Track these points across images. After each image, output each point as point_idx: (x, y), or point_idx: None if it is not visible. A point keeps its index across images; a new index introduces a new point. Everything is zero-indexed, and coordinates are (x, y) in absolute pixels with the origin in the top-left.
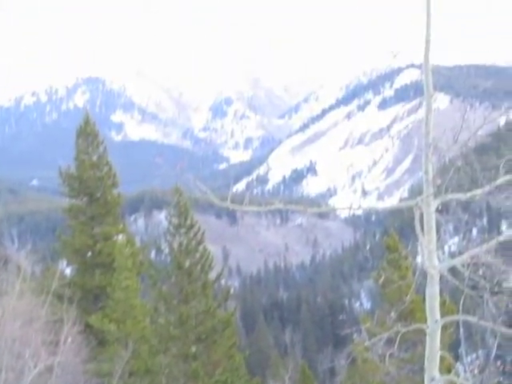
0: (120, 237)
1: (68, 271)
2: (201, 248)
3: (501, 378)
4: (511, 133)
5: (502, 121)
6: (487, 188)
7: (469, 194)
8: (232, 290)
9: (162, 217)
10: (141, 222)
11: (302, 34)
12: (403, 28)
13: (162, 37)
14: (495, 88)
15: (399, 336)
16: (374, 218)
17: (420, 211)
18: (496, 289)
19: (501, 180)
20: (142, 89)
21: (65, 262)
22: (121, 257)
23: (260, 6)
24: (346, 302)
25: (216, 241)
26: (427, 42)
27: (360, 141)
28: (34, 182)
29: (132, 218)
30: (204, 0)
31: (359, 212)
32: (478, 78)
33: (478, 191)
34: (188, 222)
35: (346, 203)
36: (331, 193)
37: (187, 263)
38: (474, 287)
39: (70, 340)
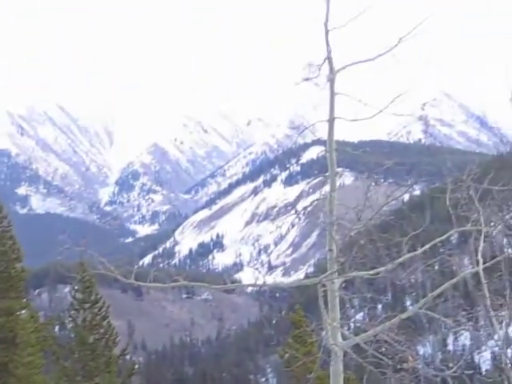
0: (23, 312)
1: None
2: (105, 323)
3: None
4: (414, 210)
5: (406, 197)
6: (390, 266)
7: (372, 272)
8: (136, 366)
9: (66, 291)
10: (45, 296)
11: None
12: (308, 106)
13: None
14: (399, 164)
15: None
16: (279, 293)
17: (324, 288)
18: (399, 366)
19: (404, 257)
20: (47, 162)
21: None
22: (24, 332)
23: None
24: (252, 377)
25: (121, 315)
26: (331, 121)
27: (266, 216)
28: None
29: (36, 293)
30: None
31: (265, 287)
32: (382, 154)
33: (381, 269)
34: (92, 297)
35: (252, 278)
36: (238, 267)
37: (91, 339)
38: (377, 364)
39: None
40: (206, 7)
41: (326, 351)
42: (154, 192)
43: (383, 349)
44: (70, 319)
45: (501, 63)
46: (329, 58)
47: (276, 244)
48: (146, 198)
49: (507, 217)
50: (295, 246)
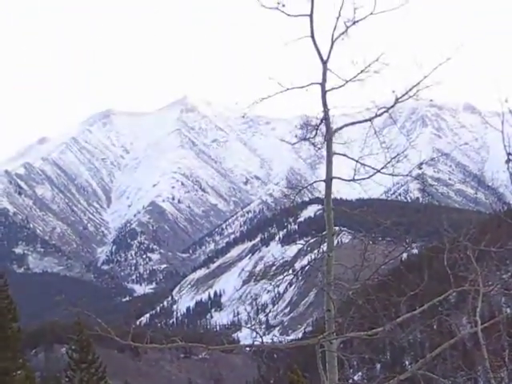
0: (19, 372)
1: None
2: (102, 383)
3: None
4: (412, 269)
5: (404, 256)
6: (388, 326)
7: (370, 332)
8: None
9: (63, 351)
10: (41, 356)
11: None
12: (305, 164)
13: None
14: (397, 223)
15: None
16: (277, 353)
17: (322, 349)
18: None
19: (402, 318)
20: (45, 221)
21: None
22: None
23: None
24: None
25: (118, 375)
26: (328, 180)
27: (264, 275)
28: None
29: (32, 353)
30: None
31: (263, 347)
32: (380, 212)
33: (380, 329)
34: (89, 357)
35: (250, 338)
36: (236, 327)
37: None
38: None
39: None
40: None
41: None
42: (152, 251)
43: None
44: (67, 380)
45: (499, 123)
46: (326, 119)
47: (274, 303)
48: (144, 256)
49: (505, 277)
50: (293, 305)
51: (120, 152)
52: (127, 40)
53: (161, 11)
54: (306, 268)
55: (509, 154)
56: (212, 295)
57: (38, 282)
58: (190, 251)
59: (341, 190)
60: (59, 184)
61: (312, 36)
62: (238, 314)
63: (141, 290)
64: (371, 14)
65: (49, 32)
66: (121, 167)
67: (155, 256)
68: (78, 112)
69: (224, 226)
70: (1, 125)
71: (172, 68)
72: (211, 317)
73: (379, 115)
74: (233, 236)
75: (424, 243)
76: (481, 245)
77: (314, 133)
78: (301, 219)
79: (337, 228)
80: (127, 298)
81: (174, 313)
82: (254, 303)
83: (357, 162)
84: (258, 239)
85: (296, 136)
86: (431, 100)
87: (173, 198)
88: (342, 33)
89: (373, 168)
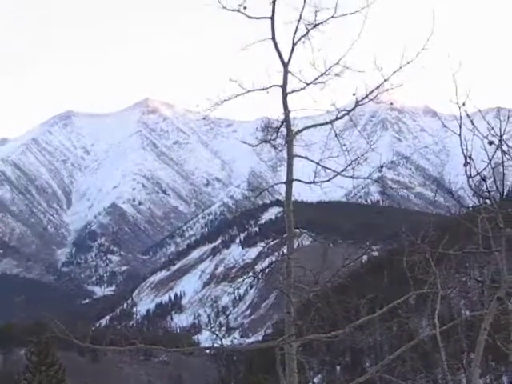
0: None
1: None
2: None
3: None
4: (372, 272)
5: (364, 259)
6: (348, 329)
7: (330, 335)
8: None
9: (21, 354)
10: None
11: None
12: (266, 166)
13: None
14: (358, 226)
15: None
16: (237, 355)
17: (282, 352)
18: None
19: (362, 320)
20: (4, 222)
21: None
22: None
23: None
24: None
25: (78, 378)
26: (288, 182)
27: (225, 277)
28: None
29: None
30: None
31: (223, 349)
32: (340, 215)
33: (339, 332)
34: (49, 359)
35: (210, 340)
36: (196, 329)
37: None
38: None
39: None
40: None
41: None
42: (112, 253)
43: None
44: (25, 382)
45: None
46: (286, 121)
47: (234, 305)
48: (104, 258)
49: (463, 279)
50: (253, 307)
51: (81, 153)
52: (88, 40)
53: (122, 11)
54: (267, 270)
55: (466, 157)
56: (172, 297)
57: None
58: (151, 253)
59: (301, 193)
60: (19, 185)
61: (273, 38)
62: (199, 316)
63: (101, 292)
64: (332, 17)
65: (8, 31)
66: (81, 168)
67: (115, 258)
68: (39, 113)
69: (185, 228)
70: None
71: (133, 70)
72: (171, 319)
73: (340, 118)
74: (194, 238)
75: (384, 246)
76: (440, 247)
77: (274, 135)
78: (261, 221)
79: (297, 230)
80: (87, 300)
81: (134, 315)
82: (214, 305)
83: (317, 164)
84: (218, 241)
85: (257, 138)
86: (391, 103)
87: (133, 200)
88: (303, 35)
89: (333, 170)
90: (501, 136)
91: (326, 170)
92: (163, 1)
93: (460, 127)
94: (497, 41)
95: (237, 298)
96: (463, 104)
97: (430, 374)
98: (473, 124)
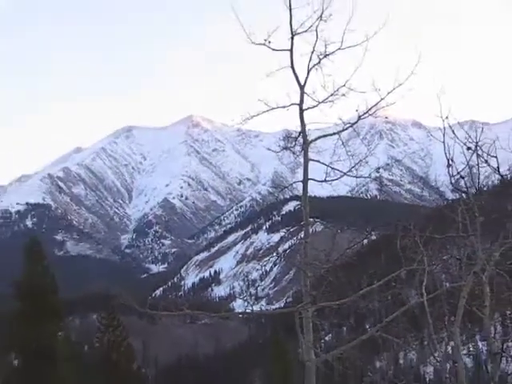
0: (60, 334)
1: (16, 362)
2: (125, 343)
3: None
4: (372, 252)
5: (365, 242)
6: (353, 297)
7: (338, 302)
8: (150, 377)
9: (94, 318)
10: (77, 321)
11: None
12: (287, 168)
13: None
14: (360, 215)
15: None
16: (264, 319)
17: (300, 316)
18: (359, 377)
19: (364, 291)
20: (80, 214)
21: (13, 355)
22: (61, 350)
23: None
24: None
25: (138, 337)
26: (305, 181)
27: (254, 256)
28: None
29: (70, 319)
30: None
31: (253, 314)
32: (346, 207)
33: (346, 300)
34: (115, 322)
35: (243, 307)
36: (231, 298)
37: (114, 356)
38: (342, 375)
39: None
40: None
41: (302, 366)
42: (164, 238)
43: (347, 364)
44: (97, 340)
45: (440, 136)
46: (303, 133)
47: (261, 279)
48: (158, 242)
49: (445, 258)
50: (277, 280)
51: (139, 159)
52: (146, 68)
53: (174, 44)
54: (287, 251)
55: (449, 160)
56: (212, 273)
57: (74, 263)
58: (195, 238)
59: (314, 189)
60: (91, 184)
61: (292, 67)
62: (233, 287)
63: (156, 268)
64: (339, 49)
65: (84, 57)
66: (140, 171)
67: (167, 242)
68: (106, 126)
69: (222, 217)
70: (45, 136)
71: (180, 91)
72: (212, 290)
73: (345, 129)
74: (229, 226)
75: (381, 231)
76: (426, 232)
77: (293, 143)
78: (283, 212)
79: (311, 219)
80: (145, 275)
81: (182, 287)
82: (245, 279)
83: (327, 166)
84: (248, 228)
85: (279, 146)
86: (386, 117)
87: (181, 196)
88: (316, 64)
89: (340, 171)
90: (476, 143)
91: (335, 171)
92: (202, 35)
93: (444, 136)
94: (472, 67)
95: (263, 273)
96: (446, 117)
97: (419, 333)
98: (454, 133)
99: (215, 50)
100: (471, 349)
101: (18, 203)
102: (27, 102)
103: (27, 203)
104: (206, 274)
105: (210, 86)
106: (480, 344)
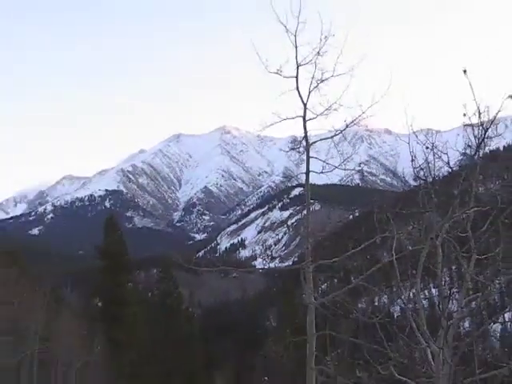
0: (130, 284)
1: (99, 304)
2: (176, 291)
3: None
4: (356, 225)
5: (351, 217)
6: (342, 257)
7: (331, 261)
8: (195, 315)
9: (155, 272)
10: (142, 275)
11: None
12: (294, 163)
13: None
14: (350, 199)
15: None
16: (277, 273)
17: (304, 271)
18: (347, 315)
19: (350, 252)
20: (144, 197)
21: (97, 299)
22: (130, 296)
23: None
24: (262, 321)
25: (186, 287)
26: (307, 173)
27: (269, 229)
28: (81, 252)
29: (137, 273)
30: None
31: (269, 270)
32: (337, 192)
33: (337, 259)
34: (168, 275)
35: (262, 265)
36: (253, 258)
37: (169, 300)
38: (334, 314)
39: (99, 346)
40: None
41: (305, 307)
42: (205, 215)
43: (338, 305)
44: (156, 288)
45: (406, 139)
46: (305, 137)
47: (275, 244)
48: (200, 218)
49: (409, 228)
50: (286, 245)
51: (186, 157)
52: (193, 81)
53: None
54: (294, 224)
55: (412, 156)
56: (239, 240)
57: (139, 233)
58: (227, 214)
59: (314, 179)
60: (151, 176)
61: (297, 89)
62: (255, 250)
63: (198, 237)
64: (332, 76)
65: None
66: (187, 166)
67: (207, 217)
68: (161, 133)
69: (246, 200)
70: (117, 141)
71: (215, 105)
72: (239, 252)
73: (337, 135)
74: (251, 206)
75: (362, 209)
76: (396, 210)
77: (298, 145)
78: (291, 196)
79: (312, 201)
80: (191, 242)
81: (218, 250)
82: (263, 244)
83: (324, 162)
84: (266, 208)
85: (288, 147)
86: (366, 126)
87: (217, 184)
88: (315, 87)
89: (333, 165)
90: (432, 144)
91: (329, 165)
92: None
93: (409, 139)
94: (429, 87)
95: (277, 240)
96: (410, 125)
97: (389, 283)
98: (416, 137)
99: (240, 75)
100: (427, 294)
101: (99, 190)
102: (110, 107)
103: (106, 190)
104: (235, 240)
105: (238, 101)
106: (434, 290)
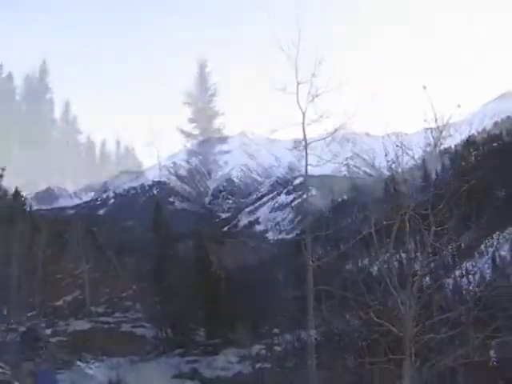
0: (171, 252)
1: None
2: (207, 258)
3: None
4: (343, 205)
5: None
6: (331, 230)
7: (325, 233)
8: (222, 276)
9: (190, 244)
10: (181, 245)
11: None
12: (296, 159)
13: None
14: (339, 186)
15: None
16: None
17: (307, 239)
18: (337, 274)
19: (342, 225)
20: (182, 185)
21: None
22: (171, 260)
23: None
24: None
25: (214, 254)
26: (305, 166)
27: (278, 209)
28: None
29: (176, 244)
30: None
31: (278, 240)
32: (328, 181)
33: (329, 231)
34: (201, 245)
35: (272, 237)
36: (266, 231)
37: (201, 265)
38: (327, 273)
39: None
40: None
41: (305, 268)
42: (228, 199)
43: (331, 266)
44: (192, 256)
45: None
46: (305, 139)
47: (283, 221)
48: (226, 201)
49: (385, 206)
50: (291, 221)
51: (214, 156)
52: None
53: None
54: (297, 203)
55: (386, 153)
56: (255, 218)
57: (179, 213)
58: (245, 198)
59: (312, 171)
60: (188, 170)
61: (298, 102)
62: (267, 226)
63: (224, 216)
64: (324, 91)
65: None
66: (215, 162)
67: (230, 201)
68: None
69: (260, 187)
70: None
71: (237, 115)
72: (254, 226)
73: (328, 137)
74: (264, 192)
75: (348, 195)
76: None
77: (299, 145)
78: (294, 183)
79: (310, 187)
80: (217, 220)
81: (239, 226)
82: (274, 220)
83: (318, 157)
84: (275, 193)
85: (291, 146)
86: (351, 129)
87: (237, 176)
88: (311, 100)
89: (326, 160)
90: (401, 142)
91: (322, 160)
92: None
93: (383, 139)
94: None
95: (284, 218)
96: (385, 129)
97: (369, 248)
98: (389, 137)
99: (254, 90)
100: (398, 257)
101: (148, 181)
102: None
103: (153, 181)
104: (251, 218)
105: (253, 111)
106: (403, 255)
